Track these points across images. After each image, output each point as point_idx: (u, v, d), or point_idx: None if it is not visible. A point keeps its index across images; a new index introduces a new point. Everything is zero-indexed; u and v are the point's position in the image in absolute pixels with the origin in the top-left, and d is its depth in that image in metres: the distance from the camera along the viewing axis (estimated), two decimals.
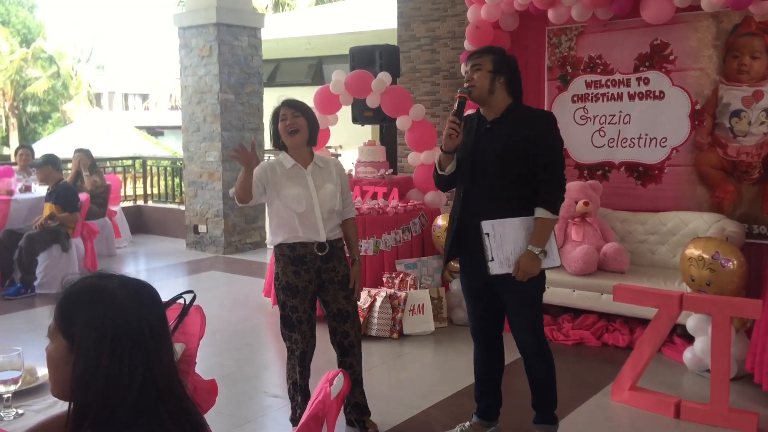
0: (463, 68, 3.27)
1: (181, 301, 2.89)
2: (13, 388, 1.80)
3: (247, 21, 8.42)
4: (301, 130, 3.27)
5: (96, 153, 8.65)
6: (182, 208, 9.45)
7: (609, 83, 5.73)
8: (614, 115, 5.71)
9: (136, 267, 8.16)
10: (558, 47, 5.97)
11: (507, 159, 3.06)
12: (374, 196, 5.80)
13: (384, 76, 5.85)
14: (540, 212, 3.05)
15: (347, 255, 3.51)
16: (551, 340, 4.96)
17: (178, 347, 2.61)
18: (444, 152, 3.15)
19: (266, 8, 19.33)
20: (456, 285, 5.43)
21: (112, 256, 8.20)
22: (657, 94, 5.51)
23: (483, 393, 3.50)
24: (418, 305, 5.24)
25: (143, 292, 1.49)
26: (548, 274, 5.18)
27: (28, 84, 25.61)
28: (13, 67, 24.84)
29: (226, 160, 8.23)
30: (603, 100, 5.76)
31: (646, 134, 5.59)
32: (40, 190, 7.10)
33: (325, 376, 2.04)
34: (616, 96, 5.70)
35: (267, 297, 6.03)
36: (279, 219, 3.34)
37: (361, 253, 5.29)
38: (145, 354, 1.42)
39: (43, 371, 2.06)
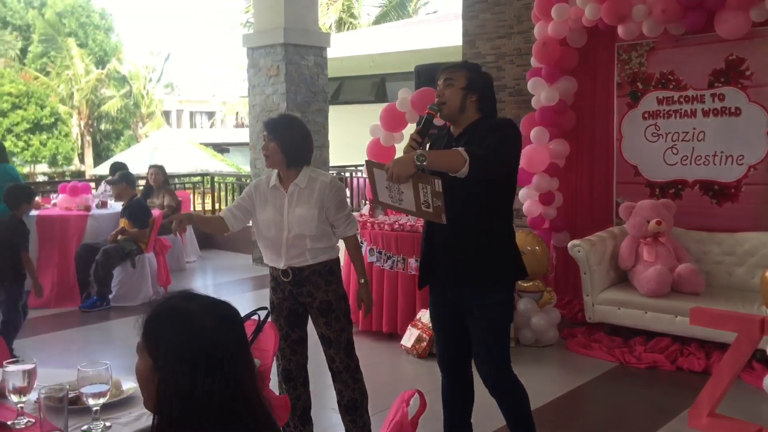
0: (438, 83, 3.02)
1: (255, 317, 2.96)
2: (101, 401, 1.86)
3: (314, 41, 8.56)
4: (271, 156, 3.14)
5: (169, 169, 8.93)
6: (249, 223, 9.63)
7: (682, 99, 5.59)
8: (687, 132, 5.57)
9: (204, 282, 8.35)
10: (628, 63, 5.87)
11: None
12: None
13: None
14: (462, 151, 2.74)
15: (332, 278, 3.26)
16: (623, 363, 4.84)
17: (256, 363, 2.66)
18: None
19: (329, 27, 19.64)
20: (522, 304, 5.35)
21: (182, 270, 8.42)
22: (733, 110, 5.35)
23: (452, 427, 3.28)
24: None
25: (224, 315, 1.52)
26: (619, 295, 5.15)
27: (102, 103, 26.66)
28: (88, 87, 25.89)
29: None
30: (676, 117, 5.63)
31: (722, 152, 5.43)
32: (116, 206, 7.35)
33: (401, 396, 2.03)
34: (689, 112, 5.56)
35: None
36: (258, 240, 3.29)
37: (411, 272, 5.30)
38: (224, 376, 1.44)
39: (128, 385, 2.12)
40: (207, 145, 27.37)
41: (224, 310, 1.53)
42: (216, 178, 11.16)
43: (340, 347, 3.29)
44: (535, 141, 5.98)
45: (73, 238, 6.84)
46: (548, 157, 5.95)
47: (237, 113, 24.01)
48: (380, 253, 5.55)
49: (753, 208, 5.29)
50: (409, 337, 5.16)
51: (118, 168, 8.56)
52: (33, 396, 1.95)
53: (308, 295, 3.22)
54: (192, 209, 10.36)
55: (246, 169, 25.89)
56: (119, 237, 6.69)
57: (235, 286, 7.88)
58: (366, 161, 2.90)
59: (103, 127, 27.59)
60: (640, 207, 5.30)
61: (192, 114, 41.57)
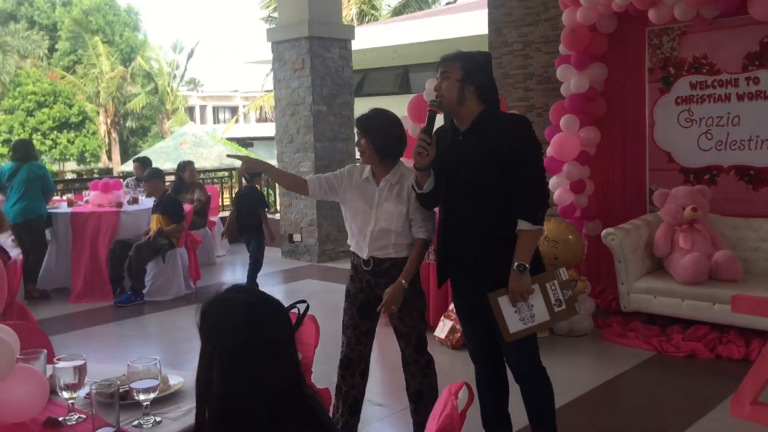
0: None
1: (294, 311, 2.96)
2: (152, 396, 1.87)
3: (338, 33, 8.55)
4: (366, 152, 3.18)
5: (196, 164, 9.00)
6: (277, 217, 9.67)
7: (716, 84, 5.49)
8: (722, 117, 5.48)
9: (234, 276, 8.40)
10: (659, 48, 5.78)
11: (480, 170, 2.85)
12: None
13: None
14: (521, 224, 2.80)
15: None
16: (660, 351, 4.79)
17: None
18: (418, 170, 2.92)
19: (351, 19, 19.60)
20: None
21: (212, 265, 8.48)
22: None
23: (491, 420, 3.26)
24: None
25: (266, 310, 1.51)
26: (655, 283, 5.09)
27: (128, 100, 26.92)
28: (114, 84, 26.16)
29: (319, 170, 8.35)
30: (709, 102, 5.53)
31: (757, 136, 5.32)
32: (146, 202, 7.41)
33: (448, 389, 2.02)
34: (723, 97, 5.46)
35: None
36: (347, 226, 3.34)
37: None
38: (257, 371, 1.43)
39: (175, 380, 2.13)
40: (231, 139, 27.53)
41: (267, 305, 1.52)
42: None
43: (410, 342, 3.30)
44: (565, 129, 5.91)
45: (106, 234, 6.91)
46: (579, 145, 5.88)
47: (261, 108, 24.06)
48: None
49: None
50: (443, 328, 5.15)
51: (143, 163, 8.65)
52: (82, 391, 1.97)
53: (385, 287, 3.19)
54: (220, 204, 10.41)
55: (271, 162, 26.04)
56: (159, 237, 6.72)
57: (265, 280, 7.91)
58: (489, 295, 2.86)
59: (129, 124, 27.87)
60: (675, 194, 5.23)
61: (215, 109, 41.83)
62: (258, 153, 27.97)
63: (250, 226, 6.74)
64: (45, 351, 2.05)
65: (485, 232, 2.90)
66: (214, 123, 39.19)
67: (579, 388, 4.24)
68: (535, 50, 6.90)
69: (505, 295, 2.86)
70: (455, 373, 4.77)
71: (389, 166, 3.21)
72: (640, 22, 5.77)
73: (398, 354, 3.51)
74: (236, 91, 42.54)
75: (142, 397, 1.85)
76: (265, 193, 11.28)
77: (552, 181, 6.03)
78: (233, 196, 11.26)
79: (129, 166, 21.98)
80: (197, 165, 17.42)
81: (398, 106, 14.66)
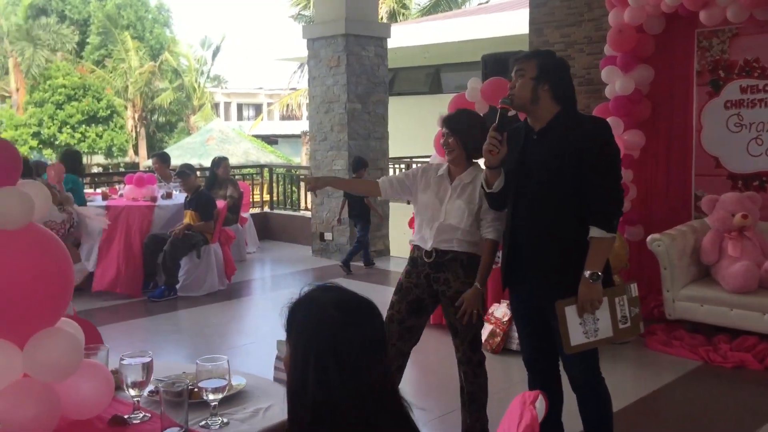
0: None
1: None
2: (220, 396, 1.81)
3: (374, 31, 8.50)
4: (455, 150, 3.22)
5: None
6: (307, 214, 9.65)
7: (767, 88, 5.35)
8: None
9: (263, 273, 8.37)
10: (709, 50, 5.64)
11: (555, 172, 2.77)
12: None
13: None
14: (594, 231, 2.73)
15: (471, 272, 3.23)
16: (707, 361, 4.66)
17: None
18: (488, 168, 2.90)
19: (381, 19, 19.57)
20: None
21: (242, 261, 8.45)
22: None
23: (544, 428, 3.19)
24: None
25: (358, 309, 1.45)
26: (701, 291, 4.96)
27: (155, 95, 27.10)
28: (142, 79, 26.35)
29: (352, 169, 8.30)
30: (761, 106, 5.39)
31: None
32: (180, 197, 7.40)
33: (521, 398, 1.94)
34: None
35: None
36: (416, 220, 3.37)
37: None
38: (355, 374, 1.37)
39: (237, 380, 2.07)
40: (256, 136, 27.61)
41: (359, 306, 1.46)
42: (276, 170, 11.19)
43: (465, 339, 3.31)
44: None
45: (139, 228, 6.91)
46: (622, 149, 5.73)
47: (288, 105, 24.09)
48: None
49: None
50: (483, 332, 5.05)
51: (162, 158, 8.59)
52: (147, 389, 1.92)
53: (444, 283, 3.23)
54: (251, 200, 10.40)
55: (295, 159, 26.11)
56: (186, 232, 6.72)
57: (296, 278, 7.88)
58: (556, 303, 2.77)
59: (156, 119, 28.05)
60: (724, 200, 5.09)
61: (239, 106, 41.99)
62: (282, 150, 28.03)
63: (357, 212, 7.82)
64: (107, 347, 2.00)
65: (555, 237, 2.82)
66: (239, 120, 39.33)
67: (623, 398, 4.12)
68: (578, 51, 6.78)
69: (573, 305, 2.77)
70: (495, 378, 4.64)
71: (466, 167, 3.26)
72: (689, 24, 5.64)
73: (436, 355, 3.46)
74: (261, 88, 42.70)
75: (210, 397, 1.80)
76: (285, 187, 11.31)
77: None
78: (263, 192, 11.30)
79: None
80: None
81: (429, 105, 14.68)
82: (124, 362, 1.83)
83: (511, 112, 2.91)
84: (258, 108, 41.49)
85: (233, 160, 17.41)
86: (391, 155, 9.33)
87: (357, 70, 8.31)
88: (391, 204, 8.95)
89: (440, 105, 14.37)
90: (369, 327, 1.41)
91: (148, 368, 1.84)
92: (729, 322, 4.84)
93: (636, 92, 5.78)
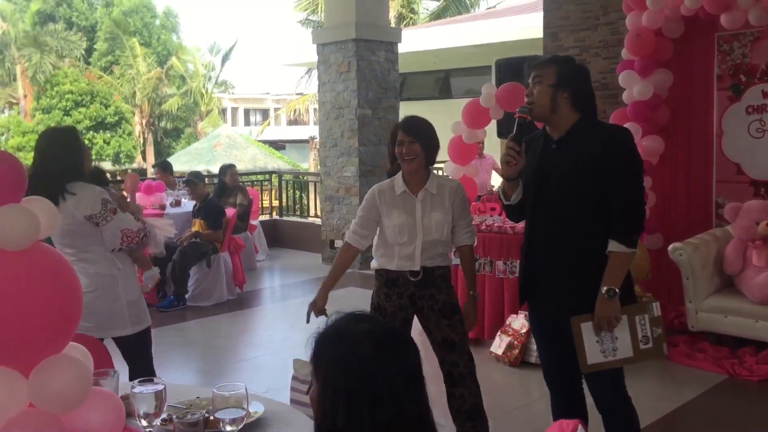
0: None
1: None
2: (238, 428, 1.70)
3: (385, 36, 8.40)
4: (417, 158, 3.06)
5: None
6: (317, 221, 9.54)
7: None
8: None
9: (273, 282, 8.27)
10: (729, 54, 5.51)
11: (574, 183, 2.65)
12: None
13: None
14: (612, 245, 2.60)
15: (450, 282, 3.23)
16: (732, 375, 4.52)
17: None
18: (506, 180, 2.77)
19: (389, 23, 19.48)
20: None
21: (252, 269, 8.34)
22: None
23: None
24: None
25: (393, 341, 1.34)
26: (725, 302, 4.82)
27: (163, 101, 27.08)
28: (150, 85, 26.34)
29: (363, 175, 8.20)
30: None
31: None
32: (189, 205, 7.30)
33: (558, 426, 1.82)
34: None
35: None
36: (383, 245, 3.19)
37: (507, 275, 5.09)
38: (390, 411, 1.26)
39: (255, 407, 1.95)
40: (264, 142, 27.55)
41: (393, 338, 1.34)
42: (284, 176, 11.10)
43: (464, 350, 3.19)
44: None
45: None
46: (641, 155, 5.62)
47: (296, 110, 24.01)
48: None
49: None
50: (500, 344, 4.93)
51: (163, 167, 8.48)
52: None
53: (429, 298, 3.13)
54: (260, 206, 10.29)
55: (303, 165, 26.00)
56: (193, 240, 6.63)
57: (307, 286, 7.76)
58: (572, 319, 2.65)
59: (163, 125, 28.03)
60: (747, 208, 4.95)
61: (246, 112, 42.01)
62: (290, 156, 27.96)
63: None
64: (117, 372, 1.89)
65: (574, 250, 2.69)
66: (245, 125, 39.35)
67: (645, 415, 3.92)
68: (594, 55, 6.65)
69: (589, 322, 2.65)
70: (512, 392, 4.56)
71: (426, 175, 3.13)
72: (708, 27, 5.51)
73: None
74: (268, 93, 42.76)
75: (228, 428, 1.68)
76: (294, 193, 11.23)
77: None
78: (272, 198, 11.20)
79: None
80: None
81: (439, 110, 14.56)
82: (135, 390, 1.72)
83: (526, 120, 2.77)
84: (265, 113, 41.49)
85: (241, 166, 17.34)
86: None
87: (367, 75, 8.21)
88: None
89: (450, 110, 14.28)
90: (404, 361, 1.30)
91: (161, 397, 1.72)
92: (754, 334, 4.70)
93: (655, 97, 5.64)
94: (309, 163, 23.45)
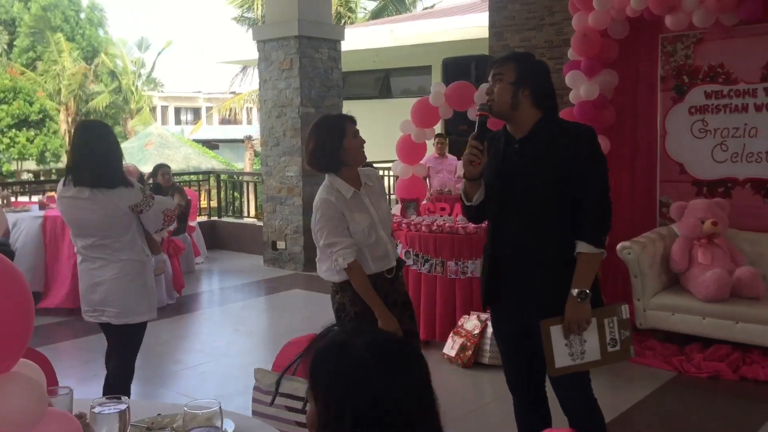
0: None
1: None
2: None
3: (328, 33, 8.25)
4: (362, 149, 3.03)
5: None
6: (257, 223, 9.32)
7: (732, 94, 5.34)
8: (738, 128, 5.32)
9: (212, 285, 8.01)
10: (673, 56, 5.61)
11: (539, 182, 2.59)
12: None
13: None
14: (581, 246, 2.55)
15: None
16: (681, 372, 4.58)
17: None
18: (468, 180, 2.69)
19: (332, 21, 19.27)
20: None
21: (191, 272, 8.06)
22: None
23: None
24: None
25: (399, 353, 1.22)
26: (673, 300, 4.88)
27: (90, 99, 26.08)
28: (76, 82, 25.32)
29: (306, 175, 8.03)
30: (725, 112, 5.37)
31: None
32: None
33: None
34: (740, 107, 5.30)
35: None
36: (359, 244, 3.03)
37: (459, 275, 5.07)
38: (400, 430, 1.15)
39: (227, 425, 1.80)
40: (197, 141, 26.91)
41: (399, 349, 1.23)
42: (222, 176, 10.79)
43: (419, 340, 3.39)
44: None
45: None
46: None
47: (231, 109, 23.50)
48: (417, 255, 5.25)
49: None
50: (452, 346, 4.87)
51: None
52: None
53: (396, 292, 3.11)
54: (198, 206, 9.96)
55: (238, 165, 25.48)
56: None
57: (249, 289, 7.55)
58: (541, 322, 2.58)
59: None
60: (692, 207, 5.05)
61: (177, 110, 41.05)
62: (224, 155, 27.41)
63: None
64: (70, 389, 1.71)
65: (540, 252, 2.63)
66: (176, 124, 38.41)
67: (604, 413, 3.98)
68: (539, 56, 6.59)
69: (559, 325, 2.59)
70: (467, 394, 4.50)
71: (356, 169, 3.06)
72: (652, 29, 5.59)
73: None
74: (199, 92, 42.00)
75: None
76: (229, 194, 10.97)
77: None
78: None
79: None
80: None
81: (379, 110, 14.45)
82: (96, 411, 1.54)
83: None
84: (196, 112, 40.70)
85: (174, 166, 16.81)
86: None
87: (310, 73, 8.05)
88: None
89: (390, 109, 14.26)
90: (413, 374, 1.18)
91: (125, 419, 1.55)
92: (701, 331, 4.78)
93: (600, 97, 5.69)
94: (245, 163, 23.00)
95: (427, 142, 6.00)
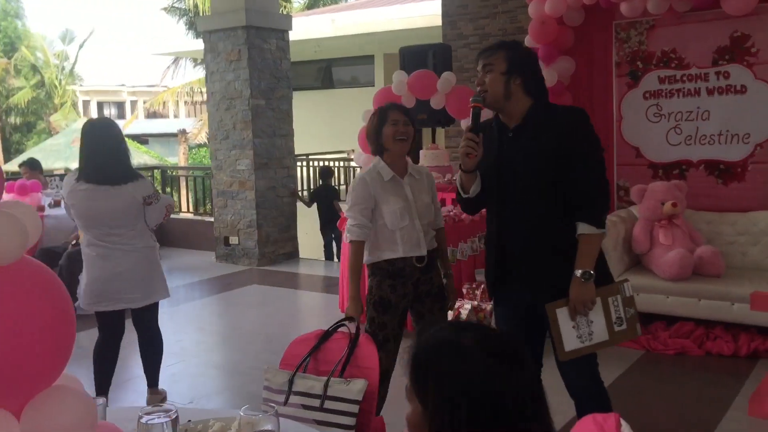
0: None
1: (344, 329, 2.60)
2: None
3: (276, 23, 8.09)
4: (408, 140, 3.15)
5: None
6: (208, 218, 9.10)
7: (685, 78, 5.50)
8: (691, 112, 5.49)
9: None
10: (626, 42, 5.74)
11: (536, 169, 2.61)
12: (443, 203, 5.50)
13: (449, 76, 5.56)
14: (582, 228, 2.56)
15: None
16: (648, 350, 4.72)
17: (360, 384, 2.31)
18: (464, 171, 2.71)
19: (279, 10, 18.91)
20: None
21: None
22: (738, 88, 5.30)
23: None
24: None
25: (511, 349, 1.19)
26: (637, 280, 5.01)
27: (11, 94, 24.89)
28: None
29: (258, 168, 7.88)
30: (678, 96, 5.54)
31: (727, 131, 5.37)
32: None
33: (592, 418, 1.74)
34: (693, 91, 5.47)
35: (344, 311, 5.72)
36: (380, 235, 3.16)
37: None
38: (517, 429, 1.13)
39: None
40: (126, 136, 26.06)
41: (507, 344, 1.20)
42: (169, 172, 10.48)
43: None
44: None
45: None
46: None
47: (164, 103, 22.83)
48: None
49: (760, 187, 5.26)
50: None
51: (31, 166, 7.67)
52: None
53: (429, 282, 3.20)
54: None
55: (171, 159, 24.83)
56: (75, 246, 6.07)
57: (203, 287, 7.37)
58: (546, 306, 2.60)
59: (12, 120, 25.78)
60: (652, 189, 5.19)
61: (100, 105, 39.75)
62: (155, 150, 26.65)
63: (328, 221, 8.31)
64: (104, 399, 1.61)
65: (542, 237, 2.65)
66: None
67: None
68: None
69: (564, 307, 2.61)
70: None
71: (406, 161, 3.23)
72: (606, 16, 5.71)
73: None
74: (123, 85, 40.80)
75: None
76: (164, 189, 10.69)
77: None
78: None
79: (12, 166, 20.25)
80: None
81: (321, 101, 14.28)
82: (144, 421, 1.46)
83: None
84: (120, 106, 39.55)
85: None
86: (301, 152, 9.01)
87: (259, 64, 7.88)
88: (299, 205, 8.60)
89: (333, 100, 14.13)
90: (526, 370, 1.15)
91: (176, 425, 1.47)
92: (665, 309, 4.92)
93: (558, 84, 5.78)
94: (178, 158, 22.44)
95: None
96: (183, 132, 21.32)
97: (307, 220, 9.29)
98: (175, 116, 33.82)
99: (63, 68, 26.91)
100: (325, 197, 8.66)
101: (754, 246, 5.13)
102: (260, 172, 7.90)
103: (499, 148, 2.70)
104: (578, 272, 2.58)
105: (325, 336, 2.54)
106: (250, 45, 7.75)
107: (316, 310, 6.55)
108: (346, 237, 3.28)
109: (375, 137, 3.16)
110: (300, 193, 8.80)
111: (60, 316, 1.35)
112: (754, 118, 5.25)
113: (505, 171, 2.68)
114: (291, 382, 2.39)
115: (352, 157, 11.88)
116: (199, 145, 23.74)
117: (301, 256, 8.54)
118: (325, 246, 8.81)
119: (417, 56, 6.16)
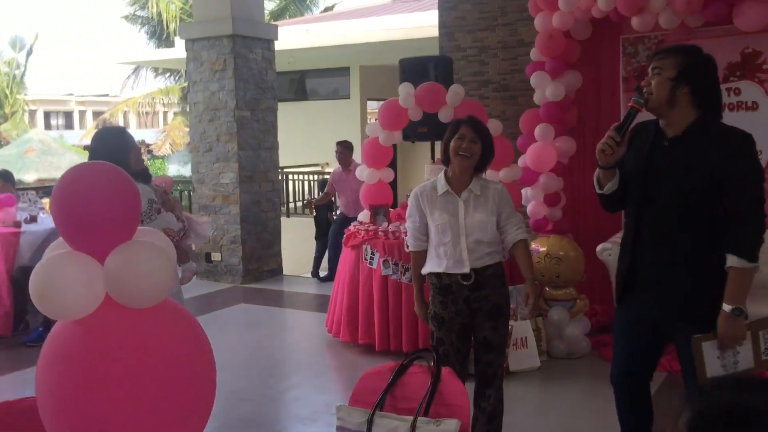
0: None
1: (422, 362, 2.38)
2: None
3: (263, 33, 7.83)
4: (472, 157, 3.10)
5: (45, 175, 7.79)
6: None
7: None
8: None
9: None
10: (634, 57, 5.67)
11: (687, 187, 2.49)
12: None
13: (458, 89, 5.40)
14: (732, 260, 2.43)
15: (504, 280, 3.25)
16: (670, 371, 4.59)
17: (453, 425, 2.09)
18: (601, 168, 2.64)
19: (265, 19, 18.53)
20: (555, 314, 5.01)
21: None
22: (750, 104, 5.27)
23: None
24: (521, 338, 4.78)
25: None
26: None
27: None
28: None
29: (243, 182, 7.58)
30: None
31: None
32: (47, 221, 6.28)
33: None
34: None
35: (331, 332, 5.45)
36: (431, 248, 3.23)
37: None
38: None
39: None
40: (77, 147, 25.26)
41: None
42: None
43: (501, 352, 3.24)
44: (541, 138, 5.62)
45: (4, 259, 5.77)
46: (555, 156, 5.63)
47: (125, 112, 22.15)
48: (396, 265, 5.02)
49: None
50: None
51: (4, 177, 7.21)
52: None
53: (483, 299, 3.13)
54: None
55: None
56: None
57: (189, 306, 6.99)
58: (693, 339, 2.47)
59: None
60: None
61: (47, 114, 38.68)
62: None
63: (323, 234, 8.05)
64: None
65: (685, 259, 2.52)
66: (46, 129, 36.04)
67: (579, 414, 4.06)
68: (492, 56, 6.61)
69: (712, 341, 2.47)
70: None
71: (471, 177, 3.16)
72: (614, 30, 5.63)
73: None
74: (71, 94, 39.93)
75: None
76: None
77: (526, 193, 5.74)
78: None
79: None
80: (47, 175, 15.66)
81: (294, 112, 14.01)
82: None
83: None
84: (68, 116, 38.64)
85: (58, 174, 15.62)
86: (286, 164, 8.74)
87: (245, 74, 7.60)
88: (283, 219, 8.32)
89: (306, 112, 13.87)
90: None
91: None
92: None
93: (565, 99, 5.67)
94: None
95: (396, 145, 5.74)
96: (143, 143, 20.72)
97: (288, 236, 9.00)
98: (126, 127, 33.03)
99: (14, 76, 25.95)
100: (325, 207, 8.40)
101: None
102: (245, 186, 7.61)
103: (649, 154, 2.59)
104: (728, 307, 2.43)
105: (401, 370, 2.32)
106: (236, 54, 7.47)
107: (311, 331, 6.25)
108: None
109: (445, 148, 3.16)
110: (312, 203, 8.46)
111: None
112: (765, 134, 5.16)
113: (651, 179, 2.57)
114: (370, 422, 2.16)
115: (327, 170, 11.66)
116: (155, 157, 23.12)
117: (285, 273, 8.25)
118: (315, 258, 8.41)
119: (416, 68, 5.98)
